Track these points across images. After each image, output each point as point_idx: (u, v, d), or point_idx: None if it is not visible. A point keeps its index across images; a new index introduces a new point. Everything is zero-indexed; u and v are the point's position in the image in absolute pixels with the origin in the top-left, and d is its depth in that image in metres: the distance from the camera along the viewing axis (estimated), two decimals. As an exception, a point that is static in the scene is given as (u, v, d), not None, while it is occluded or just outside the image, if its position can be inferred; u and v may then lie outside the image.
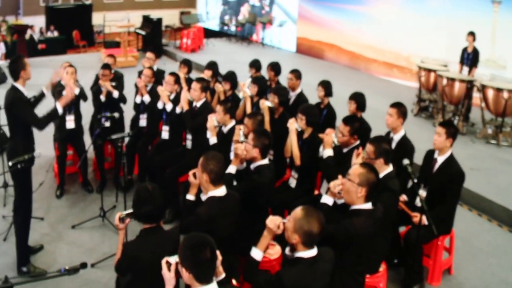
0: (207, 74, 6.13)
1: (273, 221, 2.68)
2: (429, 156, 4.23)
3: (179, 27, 15.79)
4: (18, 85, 4.03)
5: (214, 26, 18.55)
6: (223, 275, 2.53)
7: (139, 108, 5.87)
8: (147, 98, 5.67)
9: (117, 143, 4.56)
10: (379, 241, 3.43)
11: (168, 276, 2.34)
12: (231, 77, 5.71)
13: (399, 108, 4.37)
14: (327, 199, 3.23)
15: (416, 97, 8.64)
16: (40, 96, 4.44)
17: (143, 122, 5.85)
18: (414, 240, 3.87)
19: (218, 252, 2.42)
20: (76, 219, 5.10)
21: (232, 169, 3.78)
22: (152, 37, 13.94)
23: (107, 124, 5.73)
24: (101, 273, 4.27)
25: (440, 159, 4.08)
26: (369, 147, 3.55)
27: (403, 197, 4.23)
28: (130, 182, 5.86)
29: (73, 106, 5.55)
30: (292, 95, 5.88)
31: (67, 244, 4.73)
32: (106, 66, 5.81)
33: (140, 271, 2.70)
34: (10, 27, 15.19)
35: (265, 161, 3.74)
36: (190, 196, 3.28)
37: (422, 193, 4.16)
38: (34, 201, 5.36)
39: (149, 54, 6.58)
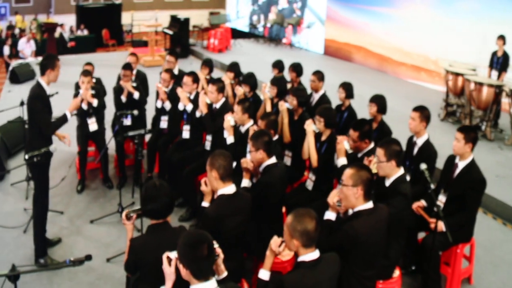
0: (229, 76, 6.13)
1: (275, 243, 2.66)
2: (450, 161, 4.11)
3: (206, 27, 15.86)
4: (42, 81, 4.11)
5: (243, 27, 18.60)
6: (225, 274, 2.51)
7: (160, 111, 5.91)
8: (168, 105, 5.71)
9: (135, 140, 4.59)
10: (391, 246, 3.37)
11: (168, 271, 2.35)
12: (250, 79, 5.68)
13: (422, 111, 4.27)
14: (329, 215, 3.18)
15: (443, 101, 8.44)
16: (63, 118, 4.35)
17: (164, 124, 5.86)
18: (430, 246, 3.80)
19: (219, 251, 2.41)
20: (95, 214, 5.17)
21: (245, 182, 3.77)
22: (180, 37, 14.05)
23: (128, 122, 5.84)
24: (115, 268, 4.31)
25: (461, 164, 3.96)
26: (379, 150, 3.46)
27: (422, 203, 4.13)
28: (150, 179, 5.92)
29: (93, 111, 5.65)
30: (315, 97, 5.83)
31: (85, 238, 4.81)
32: (127, 66, 5.84)
33: (146, 266, 2.71)
34: (40, 25, 15.56)
35: (272, 160, 3.70)
36: (205, 203, 3.28)
37: (442, 198, 4.05)
38: (55, 195, 5.56)
39: (169, 57, 6.60)
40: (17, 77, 10.34)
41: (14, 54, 12.74)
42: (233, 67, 6.25)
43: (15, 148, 6.60)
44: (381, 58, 12.17)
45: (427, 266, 3.88)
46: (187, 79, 5.43)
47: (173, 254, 2.35)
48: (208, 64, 6.48)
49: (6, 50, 12.94)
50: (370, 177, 2.92)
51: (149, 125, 6.33)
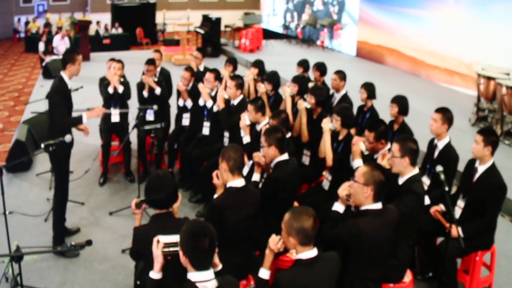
0: (253, 72, 6.13)
1: (274, 241, 2.65)
2: (470, 165, 3.98)
3: (238, 27, 15.92)
4: (64, 75, 4.23)
5: (277, 28, 18.61)
6: (219, 267, 2.51)
7: (181, 109, 5.98)
8: (189, 103, 5.78)
9: (151, 134, 4.65)
10: (400, 245, 3.29)
11: (156, 254, 2.40)
12: (273, 78, 5.66)
13: (444, 113, 4.15)
14: (338, 207, 3.13)
15: (475, 106, 8.19)
16: (78, 119, 4.40)
17: (186, 121, 5.94)
18: (445, 252, 3.66)
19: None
20: (114, 207, 5.27)
21: (256, 177, 3.77)
22: (211, 36, 14.17)
23: (151, 117, 5.92)
24: (129, 259, 4.27)
25: (480, 168, 3.82)
26: (395, 146, 3.39)
27: (440, 207, 4.01)
28: (171, 174, 5.97)
29: (118, 102, 5.75)
30: (337, 96, 5.77)
31: (103, 229, 4.90)
32: (150, 62, 5.94)
33: (148, 255, 2.73)
34: (73, 22, 15.98)
35: (285, 157, 3.67)
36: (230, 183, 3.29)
37: (460, 203, 3.93)
38: (78, 186, 5.71)
39: (196, 53, 6.67)
40: (49, 72, 10.66)
41: (50, 50, 13.13)
42: (258, 64, 6.25)
43: (42, 140, 6.78)
44: (413, 61, 11.92)
45: (443, 273, 3.77)
46: (209, 76, 5.47)
47: (164, 238, 2.37)
48: (232, 62, 6.51)
49: (41, 46, 13.36)
50: (383, 179, 2.84)
51: (172, 122, 6.40)
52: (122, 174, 6.12)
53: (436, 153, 4.24)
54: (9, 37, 19.57)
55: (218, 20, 14.23)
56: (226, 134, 5.16)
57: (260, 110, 4.51)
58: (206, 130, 5.53)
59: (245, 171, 4.01)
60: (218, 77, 5.55)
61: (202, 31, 14.51)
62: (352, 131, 4.56)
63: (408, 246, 3.37)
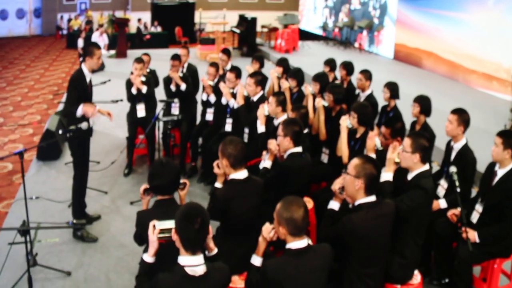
0: (278, 71, 6.14)
1: (266, 229, 2.67)
2: (490, 168, 3.85)
3: (274, 28, 15.95)
4: (84, 67, 4.37)
5: (314, 29, 18.55)
6: (214, 251, 2.54)
7: (205, 103, 6.06)
8: (212, 98, 5.87)
9: (167, 126, 4.75)
10: (406, 243, 3.23)
11: (151, 239, 2.44)
12: (297, 74, 5.66)
13: (460, 115, 4.03)
14: (333, 205, 3.12)
15: (510, 112, 7.89)
16: (75, 114, 4.34)
17: (209, 116, 6.02)
18: (460, 257, 3.60)
19: (210, 228, 2.44)
20: (136, 197, 5.38)
21: (267, 163, 3.79)
22: (247, 36, 14.27)
23: (176, 111, 6.06)
24: None
25: (500, 172, 3.68)
26: (407, 140, 3.32)
27: (458, 211, 3.89)
28: (194, 169, 6.09)
29: (143, 98, 5.90)
30: (362, 96, 5.71)
31: (122, 218, 5.04)
32: (175, 57, 6.06)
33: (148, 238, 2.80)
34: (111, 20, 16.41)
35: (298, 149, 3.68)
36: (218, 184, 3.34)
37: (479, 207, 3.80)
38: (103, 176, 5.89)
39: (221, 55, 6.75)
40: (86, 67, 11.01)
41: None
42: (282, 62, 6.26)
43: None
44: (451, 65, 11.60)
45: (458, 279, 3.67)
46: (230, 75, 5.52)
47: (160, 224, 2.42)
48: (259, 59, 6.53)
49: (80, 43, 13.83)
50: (375, 172, 2.82)
51: (199, 117, 6.50)
52: (146, 166, 6.26)
53: (452, 155, 4.13)
54: (52, 34, 20.32)
55: (254, 20, 14.30)
56: (246, 130, 5.20)
57: (280, 105, 4.51)
58: (228, 127, 5.59)
59: (262, 165, 4.01)
60: (239, 75, 5.59)
61: (238, 31, 14.64)
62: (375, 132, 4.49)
63: (415, 245, 3.28)
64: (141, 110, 5.94)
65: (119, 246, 4.51)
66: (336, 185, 3.07)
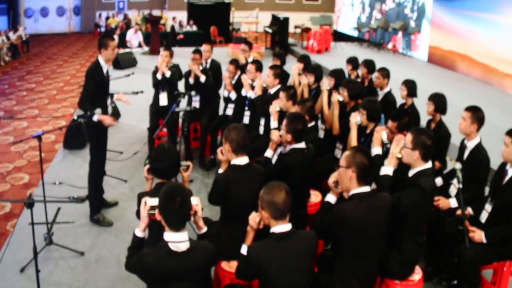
0: (298, 67, 6.19)
1: (253, 218, 2.72)
2: (502, 167, 3.78)
3: (306, 28, 15.93)
4: (100, 59, 4.55)
5: (350, 30, 18.45)
6: (204, 229, 2.63)
7: (226, 100, 6.20)
8: (233, 94, 5.99)
9: (180, 117, 4.88)
10: (405, 240, 3.20)
11: (142, 214, 2.58)
12: (316, 70, 5.69)
13: (474, 112, 3.97)
14: (329, 198, 3.12)
15: (543, 116, 7.67)
16: (91, 113, 4.50)
17: (229, 111, 6.16)
18: (465, 258, 3.52)
19: (197, 209, 2.54)
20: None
21: (268, 153, 3.83)
22: (279, 36, 14.33)
23: (197, 104, 6.21)
24: None
25: (511, 171, 3.61)
26: (408, 136, 3.28)
27: (468, 211, 3.85)
28: (213, 161, 6.20)
29: (166, 86, 6.07)
30: (380, 94, 5.68)
31: (138, 205, 5.21)
32: (196, 51, 6.23)
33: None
34: (145, 17, 16.79)
35: (301, 145, 3.69)
36: (221, 170, 3.42)
37: (488, 207, 3.73)
38: (125, 166, 6.10)
39: (243, 46, 6.86)
40: (119, 63, 11.39)
41: (124, 44, 13.99)
42: (304, 59, 6.30)
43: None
44: (486, 68, 11.30)
45: (463, 280, 3.60)
46: (250, 67, 5.63)
47: (151, 201, 2.53)
48: (280, 56, 6.60)
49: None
50: (365, 161, 2.79)
51: (221, 112, 6.63)
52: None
53: (466, 154, 4.07)
54: (90, 31, 21.07)
55: (286, 20, 14.35)
56: (262, 122, 5.28)
57: (291, 99, 4.56)
58: (246, 119, 5.69)
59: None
60: (259, 68, 5.67)
61: (270, 30, 14.73)
62: (383, 126, 4.47)
63: (414, 242, 3.25)
64: (163, 99, 6.10)
65: (132, 231, 4.65)
66: (331, 179, 3.07)
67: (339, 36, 18.62)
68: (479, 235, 3.55)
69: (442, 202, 3.99)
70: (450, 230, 3.81)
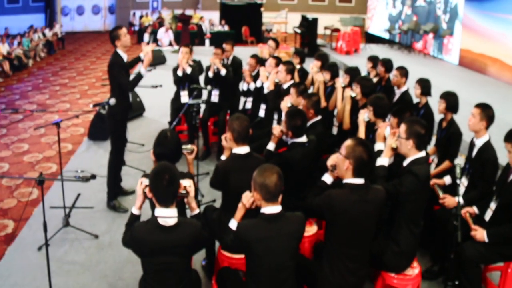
0: (316, 65, 6.26)
1: (246, 197, 2.82)
2: (507, 167, 3.75)
3: (335, 29, 15.91)
4: (119, 50, 4.76)
5: (380, 32, 18.33)
6: (195, 212, 2.77)
7: (245, 93, 6.35)
8: (252, 86, 6.11)
9: (193, 108, 5.05)
10: (401, 230, 3.25)
11: (138, 192, 2.77)
12: (332, 68, 5.76)
13: (484, 109, 3.95)
14: (326, 177, 3.20)
15: None
16: (139, 76, 4.89)
17: (248, 105, 6.29)
18: (466, 256, 3.51)
19: (190, 190, 2.68)
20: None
21: (270, 145, 3.93)
22: (308, 36, 14.38)
23: (216, 99, 6.37)
24: None
25: (515, 170, 3.59)
26: (402, 126, 3.32)
27: (473, 209, 3.82)
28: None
29: (187, 83, 6.25)
30: (397, 93, 5.70)
31: (154, 194, 5.41)
32: (218, 46, 6.45)
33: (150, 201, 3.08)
34: (175, 17, 17.10)
35: (302, 139, 3.78)
36: (223, 157, 3.57)
37: (492, 205, 3.70)
38: (146, 157, 6.32)
39: (271, 42, 7.00)
40: (148, 60, 11.69)
41: (155, 42, 14.34)
42: (321, 57, 6.36)
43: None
44: (517, 72, 11.07)
45: (465, 279, 3.58)
46: (271, 61, 5.77)
47: (147, 180, 2.70)
48: (300, 54, 6.70)
49: (146, 38, 14.68)
50: (364, 156, 2.83)
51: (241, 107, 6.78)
52: (186, 151, 6.61)
53: (474, 152, 4.05)
54: (125, 30, 21.59)
55: (315, 20, 14.39)
56: (275, 116, 5.39)
57: (301, 94, 4.65)
58: (262, 112, 5.81)
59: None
60: (278, 64, 5.77)
61: (299, 31, 14.81)
62: (387, 122, 4.48)
63: (411, 233, 3.28)
64: (184, 96, 6.29)
65: (146, 218, 4.85)
66: (329, 162, 3.16)
67: (371, 38, 18.51)
68: (480, 234, 3.53)
69: (448, 200, 3.96)
70: (453, 228, 3.79)
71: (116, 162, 5.00)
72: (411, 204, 3.23)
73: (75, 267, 4.04)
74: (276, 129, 3.89)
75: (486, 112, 3.96)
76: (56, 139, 7.10)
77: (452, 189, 4.27)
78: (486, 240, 3.50)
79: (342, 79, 5.37)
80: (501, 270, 3.68)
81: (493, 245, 3.50)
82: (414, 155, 3.31)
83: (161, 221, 2.54)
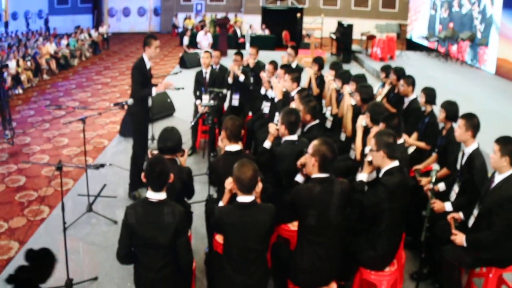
0: (331, 73, 6.54)
1: (228, 182, 3.22)
2: (493, 175, 3.92)
3: (371, 35, 15.97)
4: (144, 56, 5.23)
5: (419, 39, 18.21)
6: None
7: (264, 97, 6.65)
8: (270, 92, 6.44)
9: (207, 111, 5.46)
10: (379, 237, 3.49)
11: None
12: (344, 75, 6.02)
13: (468, 119, 4.12)
14: (298, 178, 3.59)
15: None
16: (149, 92, 5.28)
17: (266, 109, 6.60)
18: (445, 259, 3.70)
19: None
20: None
21: (266, 143, 4.22)
22: (344, 42, 14.55)
23: (236, 103, 6.79)
24: None
25: (497, 178, 3.71)
26: (372, 140, 3.59)
27: (459, 215, 3.99)
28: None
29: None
30: (406, 101, 5.90)
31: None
32: (238, 53, 6.83)
33: None
34: (213, 20, 17.60)
35: (293, 137, 4.07)
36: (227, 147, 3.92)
37: (475, 212, 3.85)
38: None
39: (289, 50, 7.33)
40: (185, 63, 12.32)
41: (195, 45, 14.91)
42: (335, 65, 6.65)
43: (156, 115, 8.14)
44: (553, 82, 10.84)
45: (444, 281, 3.80)
46: (280, 71, 6.06)
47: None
48: (318, 61, 6.99)
49: (186, 40, 15.27)
50: (328, 154, 3.18)
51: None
52: (206, 150, 7.02)
53: (463, 160, 4.21)
54: (169, 32, 22.60)
55: (350, 26, 14.52)
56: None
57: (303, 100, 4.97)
58: (275, 119, 6.14)
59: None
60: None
61: (334, 36, 15.00)
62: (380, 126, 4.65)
63: (388, 239, 3.52)
64: (206, 100, 6.72)
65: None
66: (299, 161, 3.52)
67: (412, 45, 18.37)
68: (460, 239, 3.69)
69: (437, 205, 4.13)
70: (440, 233, 3.96)
71: (138, 157, 5.46)
72: (387, 213, 3.45)
73: (93, 247, 4.59)
74: (272, 127, 4.19)
75: (471, 122, 4.11)
76: (94, 135, 7.79)
77: (445, 195, 4.47)
78: (465, 244, 3.66)
79: (349, 87, 5.64)
80: (484, 276, 3.84)
81: (471, 250, 3.65)
82: (387, 165, 3.54)
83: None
